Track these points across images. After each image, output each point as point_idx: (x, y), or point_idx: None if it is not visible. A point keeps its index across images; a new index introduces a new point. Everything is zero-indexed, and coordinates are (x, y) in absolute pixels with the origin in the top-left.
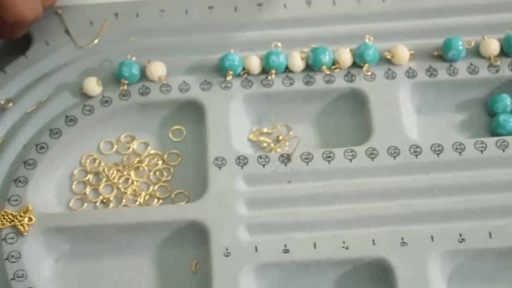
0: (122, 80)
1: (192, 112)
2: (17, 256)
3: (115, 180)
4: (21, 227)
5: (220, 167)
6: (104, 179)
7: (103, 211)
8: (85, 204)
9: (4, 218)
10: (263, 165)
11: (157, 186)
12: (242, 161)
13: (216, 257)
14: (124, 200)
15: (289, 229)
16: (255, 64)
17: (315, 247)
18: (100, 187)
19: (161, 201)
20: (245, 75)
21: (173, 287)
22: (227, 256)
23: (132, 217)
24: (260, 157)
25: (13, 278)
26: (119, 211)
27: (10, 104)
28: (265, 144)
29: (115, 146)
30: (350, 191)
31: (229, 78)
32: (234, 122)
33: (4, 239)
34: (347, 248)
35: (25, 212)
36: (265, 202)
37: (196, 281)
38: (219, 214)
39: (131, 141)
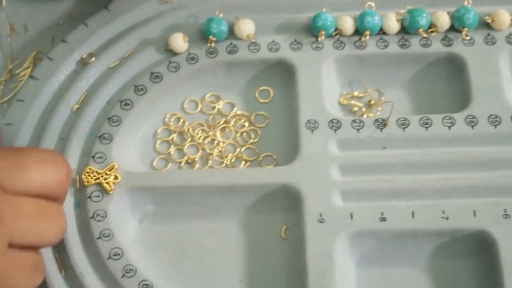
0: (210, 37)
1: (281, 73)
2: (103, 215)
3: (200, 141)
4: (107, 185)
5: (312, 130)
6: (189, 139)
7: (191, 172)
8: (169, 164)
9: (89, 175)
10: (357, 130)
11: (244, 148)
12: (335, 124)
13: (309, 223)
14: (210, 162)
15: (385, 197)
16: (348, 25)
17: (413, 216)
18: (185, 147)
19: (248, 163)
20: (337, 36)
21: (262, 252)
22: (321, 222)
23: (221, 179)
24: (354, 121)
25: (99, 237)
26: (208, 172)
27: (93, 58)
28: (356, 108)
29: (200, 106)
30: (449, 160)
31: (321, 38)
32: (325, 85)
33: (89, 197)
34: (447, 219)
35: (110, 170)
36: (360, 168)
37: (286, 247)
38: (312, 178)
39: (216, 101)
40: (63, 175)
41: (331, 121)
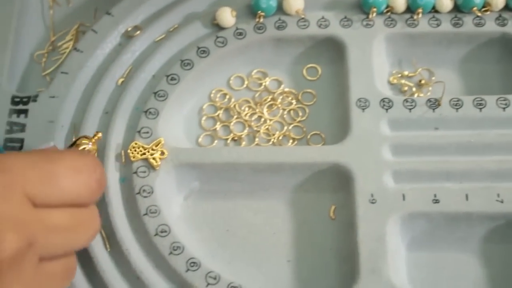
0: (258, 12)
1: (329, 50)
2: (149, 191)
3: (247, 118)
4: (153, 161)
5: (363, 109)
6: (235, 116)
7: (239, 149)
8: (215, 141)
9: (135, 150)
10: (409, 109)
11: (291, 126)
12: (386, 103)
13: (361, 204)
14: (256, 139)
15: (438, 179)
16: (400, 2)
17: (467, 199)
18: (231, 124)
19: (295, 142)
20: (389, 13)
21: (310, 232)
22: (372, 203)
23: (270, 157)
24: (406, 100)
25: (146, 214)
26: (257, 149)
27: (138, 32)
28: (406, 88)
29: (246, 82)
30: (504, 142)
31: (372, 15)
32: (375, 63)
33: (135, 173)
34: (502, 202)
35: (157, 145)
36: (412, 148)
37: (335, 227)
38: (363, 158)
39: (263, 78)
40: (97, 182)
41: (383, 100)
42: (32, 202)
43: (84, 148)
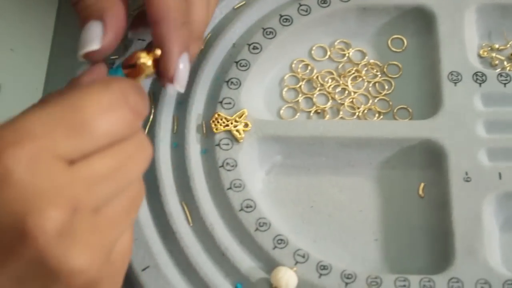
0: None
1: (417, 20)
2: (233, 164)
3: (330, 90)
4: (237, 133)
5: (455, 83)
6: (317, 88)
7: (326, 122)
8: (298, 114)
9: (218, 122)
10: (504, 84)
11: (376, 99)
12: (479, 78)
13: (454, 182)
14: (341, 113)
15: None
16: None
17: None
18: (314, 96)
19: (381, 116)
20: None
21: (398, 210)
22: (467, 181)
23: (358, 131)
24: (501, 74)
25: (230, 188)
26: (344, 123)
27: None
28: (497, 61)
29: (328, 52)
30: None
31: None
32: (466, 35)
33: (218, 145)
34: None
35: (240, 117)
36: (507, 125)
37: (424, 206)
38: (457, 134)
39: (346, 48)
40: (132, 111)
41: (475, 73)
42: (67, 161)
43: (141, 61)
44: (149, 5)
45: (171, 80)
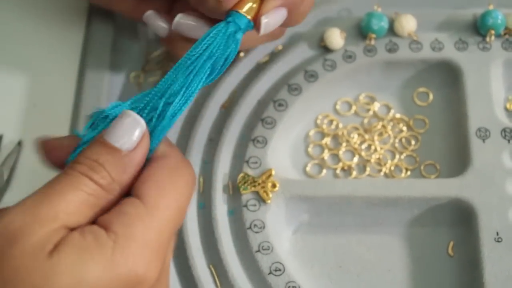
0: (369, 33)
1: (442, 74)
2: (260, 226)
3: (356, 146)
4: (265, 194)
5: (484, 140)
6: (344, 144)
7: (354, 182)
8: (324, 170)
9: (245, 182)
10: None
11: (403, 155)
12: (508, 134)
13: (486, 242)
14: (368, 169)
15: None
16: None
17: None
18: (340, 152)
19: (408, 172)
20: (507, 36)
21: (427, 269)
22: (498, 241)
23: (386, 190)
24: None
25: (258, 251)
26: (372, 182)
27: (241, 53)
28: None
29: (354, 107)
30: None
31: (490, 38)
32: (493, 89)
33: (245, 206)
34: None
35: (268, 177)
36: None
37: (454, 265)
38: (487, 193)
39: (371, 102)
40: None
41: (504, 130)
42: None
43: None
44: None
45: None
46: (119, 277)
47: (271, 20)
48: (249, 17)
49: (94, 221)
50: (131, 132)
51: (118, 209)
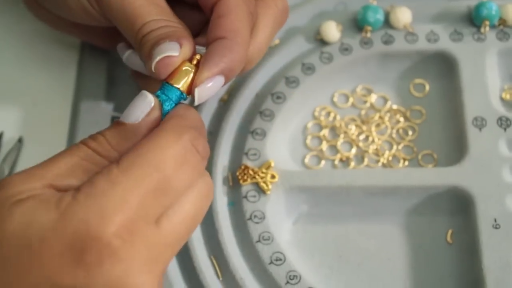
0: (365, 26)
1: (438, 65)
2: (260, 217)
3: (354, 137)
4: (264, 185)
5: (480, 128)
6: (341, 135)
7: (352, 172)
8: (322, 162)
9: (245, 174)
10: None
11: (401, 145)
12: (504, 122)
13: (484, 229)
14: (366, 160)
15: None
16: None
17: None
18: (338, 144)
19: (406, 162)
20: (501, 26)
21: (427, 257)
22: (496, 228)
23: (385, 180)
24: None
25: (259, 241)
26: (371, 172)
27: None
28: None
29: (351, 99)
30: None
31: (485, 29)
32: (489, 79)
33: (245, 197)
34: None
35: (267, 168)
36: None
37: (453, 253)
38: (484, 180)
39: (368, 94)
40: (203, 159)
41: (500, 118)
42: (155, 221)
43: (187, 69)
44: (217, 23)
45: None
46: (67, 229)
47: (205, 91)
48: (182, 88)
49: None
50: (138, 106)
51: (96, 172)
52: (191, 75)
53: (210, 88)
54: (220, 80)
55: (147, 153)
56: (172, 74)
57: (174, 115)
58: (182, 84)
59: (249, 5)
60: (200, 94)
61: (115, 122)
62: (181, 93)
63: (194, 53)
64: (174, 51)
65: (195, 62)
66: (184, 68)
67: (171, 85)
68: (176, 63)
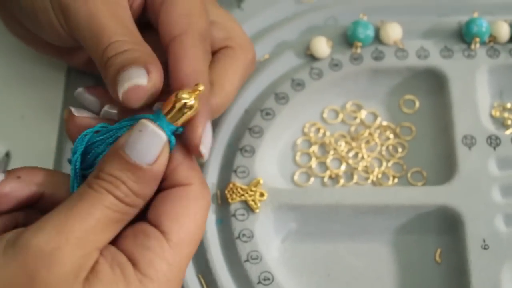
0: (355, 42)
1: (427, 81)
2: (249, 235)
3: (344, 154)
4: (253, 203)
5: (469, 147)
6: (331, 152)
7: (341, 190)
8: (312, 179)
9: (233, 192)
10: None
11: (390, 163)
12: (494, 141)
13: (472, 249)
14: (355, 177)
15: None
16: (504, 31)
17: None
18: (328, 161)
19: (396, 180)
20: (491, 43)
21: (415, 276)
22: (485, 249)
23: (374, 198)
24: None
25: (247, 260)
26: (360, 190)
27: None
28: (510, 122)
29: (341, 115)
30: None
31: (475, 46)
32: (479, 96)
33: (234, 215)
34: None
35: (255, 186)
36: None
37: (442, 272)
38: (473, 200)
39: (358, 110)
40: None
41: (489, 137)
42: None
43: (185, 103)
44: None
45: (198, 143)
46: None
47: (207, 145)
48: (180, 124)
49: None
50: (151, 145)
51: (142, 241)
52: (192, 112)
53: (208, 141)
54: (209, 127)
55: (188, 225)
56: (166, 104)
57: (190, 168)
58: (181, 120)
59: (205, 44)
60: (207, 149)
61: (126, 162)
62: (178, 127)
63: (197, 84)
64: (141, 79)
65: (197, 92)
66: (182, 103)
67: (170, 123)
68: (147, 92)
